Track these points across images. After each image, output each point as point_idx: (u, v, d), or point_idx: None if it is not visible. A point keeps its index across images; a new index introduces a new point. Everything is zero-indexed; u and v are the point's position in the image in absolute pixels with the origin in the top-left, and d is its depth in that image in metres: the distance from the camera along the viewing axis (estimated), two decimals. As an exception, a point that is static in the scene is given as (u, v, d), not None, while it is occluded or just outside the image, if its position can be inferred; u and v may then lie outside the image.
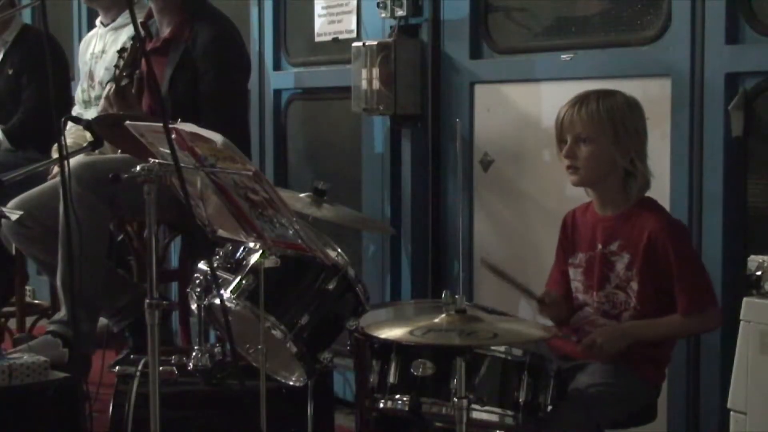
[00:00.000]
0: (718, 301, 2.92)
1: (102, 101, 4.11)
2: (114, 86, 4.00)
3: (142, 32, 4.07)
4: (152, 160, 2.67)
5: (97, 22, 4.89)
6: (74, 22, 6.24)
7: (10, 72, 5.14)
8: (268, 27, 4.89)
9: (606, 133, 2.87)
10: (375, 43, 4.07)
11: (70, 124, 3.85)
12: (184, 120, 3.29)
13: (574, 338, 2.88)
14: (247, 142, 4.31)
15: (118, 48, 4.35)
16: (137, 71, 4.08)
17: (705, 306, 2.85)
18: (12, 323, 4.93)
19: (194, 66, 4.03)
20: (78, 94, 4.96)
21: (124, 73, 3.99)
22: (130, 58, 4.00)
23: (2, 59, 5.20)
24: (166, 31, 4.15)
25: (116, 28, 4.71)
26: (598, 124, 2.88)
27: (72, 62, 5.49)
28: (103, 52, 4.73)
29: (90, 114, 4.64)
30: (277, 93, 4.88)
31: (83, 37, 5.60)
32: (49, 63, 4.01)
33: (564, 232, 3.07)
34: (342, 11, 4.49)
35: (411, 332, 2.52)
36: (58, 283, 3.97)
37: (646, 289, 2.85)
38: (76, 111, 4.94)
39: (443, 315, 2.57)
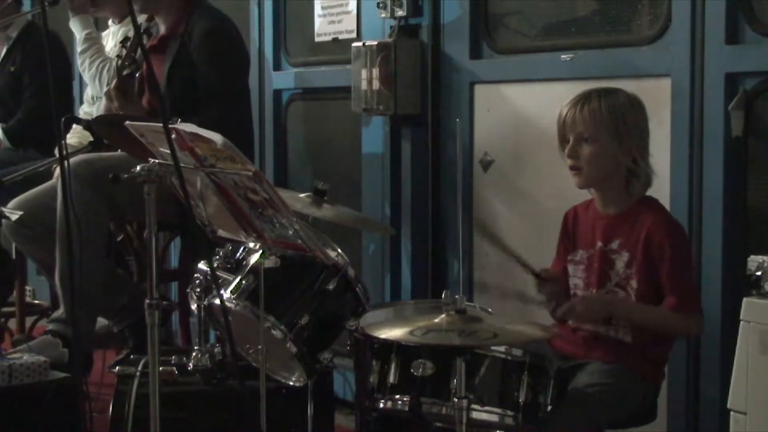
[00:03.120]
0: (702, 308, 2.92)
1: (104, 97, 4.12)
2: (115, 80, 4.00)
3: (142, 32, 4.08)
4: (152, 160, 2.67)
5: (109, 21, 4.91)
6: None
7: (12, 69, 5.14)
8: (268, 27, 4.89)
9: (608, 132, 2.87)
10: (375, 43, 4.06)
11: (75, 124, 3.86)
12: (182, 115, 3.30)
13: (557, 330, 2.87)
14: (250, 139, 4.30)
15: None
16: (139, 70, 4.08)
17: (692, 310, 2.86)
18: (12, 323, 4.93)
19: (191, 61, 4.03)
20: (87, 92, 4.96)
21: (126, 63, 3.99)
22: (133, 47, 3.99)
23: (5, 55, 5.20)
24: (162, 29, 4.15)
25: (127, 24, 4.73)
26: (600, 123, 2.87)
27: (73, 62, 5.49)
28: (115, 46, 4.75)
29: (96, 110, 4.65)
30: (277, 93, 4.88)
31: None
32: (49, 64, 4.00)
33: (565, 228, 3.07)
34: (342, 11, 4.49)
35: (411, 332, 2.52)
36: (57, 281, 3.98)
37: (646, 288, 2.85)
38: (83, 108, 4.95)
39: (443, 315, 2.57)
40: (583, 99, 2.91)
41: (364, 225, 4.08)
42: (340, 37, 4.49)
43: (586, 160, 2.88)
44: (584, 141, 2.89)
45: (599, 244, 2.93)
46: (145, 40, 4.11)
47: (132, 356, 3.70)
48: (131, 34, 4.19)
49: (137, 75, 4.08)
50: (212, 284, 3.11)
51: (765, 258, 2.55)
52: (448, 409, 2.61)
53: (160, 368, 2.67)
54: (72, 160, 3.62)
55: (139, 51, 3.98)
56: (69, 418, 3.32)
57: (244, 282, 3.06)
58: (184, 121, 2.82)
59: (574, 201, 3.11)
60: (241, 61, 4.23)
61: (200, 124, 2.63)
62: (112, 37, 4.82)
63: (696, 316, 2.87)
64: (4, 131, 5.07)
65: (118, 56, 4.04)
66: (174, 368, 3.28)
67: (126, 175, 2.68)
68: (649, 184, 2.93)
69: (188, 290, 3.34)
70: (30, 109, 5.04)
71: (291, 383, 3.15)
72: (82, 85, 5.91)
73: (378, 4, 4.13)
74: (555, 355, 2.81)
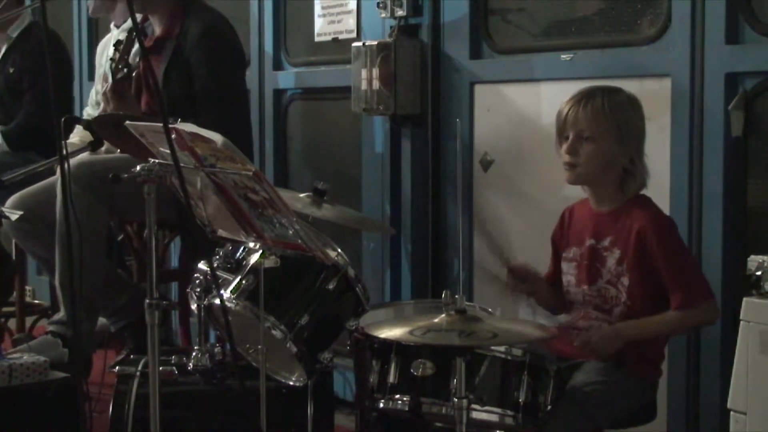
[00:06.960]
0: (712, 293, 2.87)
1: (101, 99, 4.12)
2: (111, 82, 3.99)
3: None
4: (152, 160, 2.67)
5: (111, 25, 4.90)
6: (74, 21, 6.23)
7: (12, 70, 5.11)
8: (268, 27, 4.88)
9: (610, 133, 2.86)
10: (375, 43, 4.06)
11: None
12: (179, 115, 3.30)
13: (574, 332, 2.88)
14: (248, 139, 4.29)
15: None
16: (134, 71, 4.07)
17: (698, 299, 2.82)
18: (12, 323, 4.93)
19: (186, 61, 4.02)
20: (92, 96, 4.95)
21: (120, 66, 3.97)
22: (126, 49, 3.98)
23: (4, 55, 5.18)
24: (158, 30, 4.14)
25: (127, 29, 4.71)
26: (602, 122, 2.86)
27: (74, 62, 5.48)
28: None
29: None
30: (277, 93, 4.88)
31: (83, 37, 5.58)
32: (49, 66, 3.99)
33: (560, 226, 3.07)
34: (342, 11, 4.49)
35: (411, 332, 2.52)
36: (57, 283, 3.97)
37: (637, 285, 2.85)
38: (87, 112, 4.93)
39: (443, 315, 2.57)
40: (586, 96, 2.89)
41: (364, 225, 4.08)
42: (340, 37, 4.49)
43: (584, 158, 2.88)
44: (584, 139, 2.88)
45: (592, 241, 2.93)
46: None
47: (132, 356, 3.70)
48: (123, 37, 4.17)
49: (133, 76, 4.06)
50: (212, 284, 3.11)
51: (765, 258, 2.56)
52: (448, 409, 2.61)
53: (160, 368, 2.67)
54: (71, 162, 3.61)
55: (132, 53, 3.96)
56: (69, 418, 3.32)
57: (244, 282, 3.06)
58: (182, 122, 2.82)
59: (573, 200, 3.11)
60: (237, 61, 4.22)
61: (198, 125, 2.63)
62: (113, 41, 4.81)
63: (705, 305, 2.83)
64: (3, 134, 5.05)
65: (112, 59, 4.02)
66: (174, 368, 3.28)
67: (126, 175, 2.68)
68: (644, 186, 2.93)
69: (188, 290, 3.34)
70: (30, 113, 5.02)
71: (291, 383, 3.15)
72: (83, 87, 5.92)
73: (378, 4, 4.13)
74: (552, 355, 2.81)
